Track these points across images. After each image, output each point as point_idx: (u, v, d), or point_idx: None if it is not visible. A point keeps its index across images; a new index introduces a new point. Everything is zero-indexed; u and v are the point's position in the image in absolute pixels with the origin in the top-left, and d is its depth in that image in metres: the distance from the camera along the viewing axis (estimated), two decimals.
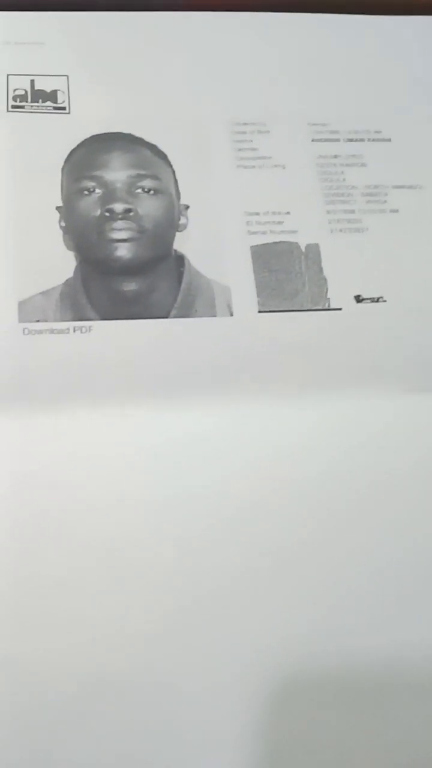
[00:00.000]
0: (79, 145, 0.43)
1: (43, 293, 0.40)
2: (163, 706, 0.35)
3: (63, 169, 0.42)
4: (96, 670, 0.35)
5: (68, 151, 0.43)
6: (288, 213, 0.43)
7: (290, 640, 0.36)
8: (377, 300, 0.42)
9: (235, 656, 0.35)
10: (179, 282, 0.41)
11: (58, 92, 0.44)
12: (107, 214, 0.41)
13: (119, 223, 0.41)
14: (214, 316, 0.40)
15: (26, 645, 0.35)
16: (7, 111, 0.43)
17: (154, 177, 0.42)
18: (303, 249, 0.42)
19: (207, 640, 0.35)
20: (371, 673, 0.36)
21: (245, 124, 0.45)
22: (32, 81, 0.44)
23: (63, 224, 0.41)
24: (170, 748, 0.34)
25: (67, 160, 0.42)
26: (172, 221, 0.42)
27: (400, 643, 0.36)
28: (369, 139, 0.45)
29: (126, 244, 0.41)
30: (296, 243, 0.42)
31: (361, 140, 0.45)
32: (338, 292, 0.42)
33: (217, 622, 0.36)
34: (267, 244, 0.42)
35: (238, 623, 0.36)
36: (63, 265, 0.40)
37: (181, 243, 0.42)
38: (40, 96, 0.44)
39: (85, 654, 0.35)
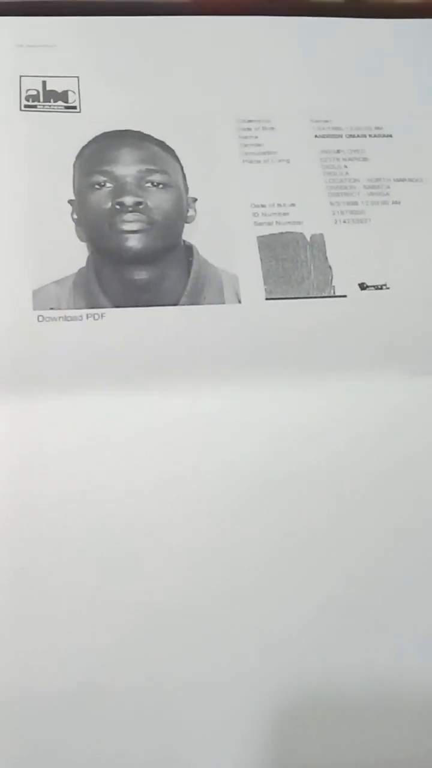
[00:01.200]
0: (90, 142, 0.44)
1: (56, 282, 0.41)
2: (163, 706, 0.35)
3: (74, 164, 0.43)
4: (96, 669, 0.35)
5: (79, 148, 0.44)
6: (293, 205, 0.44)
7: (294, 638, 0.36)
8: (381, 287, 0.43)
9: (236, 655, 0.36)
10: (188, 271, 0.42)
11: (69, 92, 0.45)
12: (118, 206, 0.42)
13: (130, 215, 0.42)
14: (223, 303, 0.41)
15: (27, 641, 0.35)
16: (20, 110, 0.45)
17: (163, 172, 0.43)
18: (308, 239, 0.43)
19: (209, 639, 0.36)
20: (377, 671, 0.36)
21: (251, 121, 0.46)
22: (44, 82, 0.46)
23: (75, 217, 0.42)
24: (170, 749, 0.34)
25: (78, 156, 0.44)
26: (180, 213, 0.43)
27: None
28: (370, 135, 0.46)
29: (136, 235, 0.42)
30: (301, 233, 0.43)
31: (363, 136, 0.46)
32: (343, 280, 0.42)
33: (220, 619, 0.36)
34: (273, 234, 0.43)
35: (242, 620, 0.36)
36: (76, 255, 0.41)
37: (189, 234, 0.43)
38: (51, 96, 0.45)
39: (85, 652, 0.35)
